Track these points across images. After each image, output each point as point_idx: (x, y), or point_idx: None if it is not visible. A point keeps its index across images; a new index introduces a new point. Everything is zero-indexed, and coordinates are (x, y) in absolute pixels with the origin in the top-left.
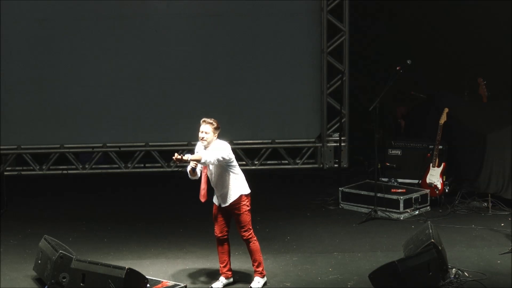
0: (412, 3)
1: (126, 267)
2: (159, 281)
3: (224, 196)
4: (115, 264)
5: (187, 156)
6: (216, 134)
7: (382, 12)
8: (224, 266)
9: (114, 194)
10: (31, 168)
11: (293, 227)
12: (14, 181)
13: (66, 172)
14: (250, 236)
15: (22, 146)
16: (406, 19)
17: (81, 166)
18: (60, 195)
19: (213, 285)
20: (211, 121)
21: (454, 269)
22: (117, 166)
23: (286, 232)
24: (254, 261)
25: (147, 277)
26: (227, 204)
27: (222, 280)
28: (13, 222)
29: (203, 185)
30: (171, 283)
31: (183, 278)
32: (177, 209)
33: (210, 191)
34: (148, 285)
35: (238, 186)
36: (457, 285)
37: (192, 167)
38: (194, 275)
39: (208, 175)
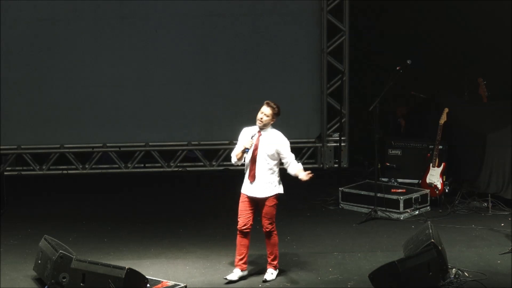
0: (412, 3)
1: (126, 267)
2: (159, 281)
3: (263, 187)
4: (115, 264)
5: (303, 176)
6: (274, 120)
7: (382, 12)
8: (241, 259)
9: (114, 194)
10: (31, 168)
11: (293, 227)
12: (14, 181)
13: (66, 172)
14: (273, 229)
15: (22, 146)
16: (406, 19)
17: (81, 166)
18: (60, 195)
19: (228, 276)
20: (274, 106)
21: (454, 269)
22: (117, 166)
23: (286, 232)
24: (271, 254)
25: (147, 277)
26: (263, 196)
27: (237, 272)
28: (13, 222)
29: (252, 166)
30: (171, 283)
31: (183, 278)
32: (177, 209)
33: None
34: (148, 285)
35: (278, 182)
36: (457, 285)
37: (247, 148)
38: (194, 275)
39: (257, 162)
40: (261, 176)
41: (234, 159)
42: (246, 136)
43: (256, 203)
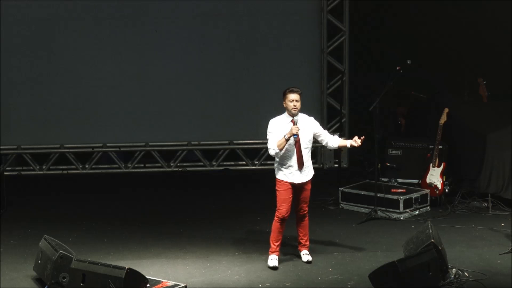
0: (412, 3)
1: (126, 267)
2: (159, 281)
3: (307, 170)
4: (115, 264)
5: (355, 143)
6: None
7: (382, 12)
8: (279, 245)
9: (114, 194)
10: (31, 168)
11: (293, 227)
12: (14, 181)
13: (66, 172)
14: (308, 211)
15: (22, 146)
16: (406, 19)
17: (81, 166)
18: (60, 195)
19: (270, 263)
20: (299, 89)
21: (454, 269)
22: (117, 166)
23: (286, 232)
24: (305, 235)
25: (147, 277)
26: (309, 179)
27: (276, 258)
28: (13, 222)
29: (299, 154)
30: (171, 283)
31: (183, 278)
32: (177, 209)
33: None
34: (148, 285)
35: None
36: (457, 285)
37: (296, 134)
38: (194, 275)
39: (302, 148)
40: (306, 161)
41: (276, 151)
42: (285, 125)
43: (295, 189)
